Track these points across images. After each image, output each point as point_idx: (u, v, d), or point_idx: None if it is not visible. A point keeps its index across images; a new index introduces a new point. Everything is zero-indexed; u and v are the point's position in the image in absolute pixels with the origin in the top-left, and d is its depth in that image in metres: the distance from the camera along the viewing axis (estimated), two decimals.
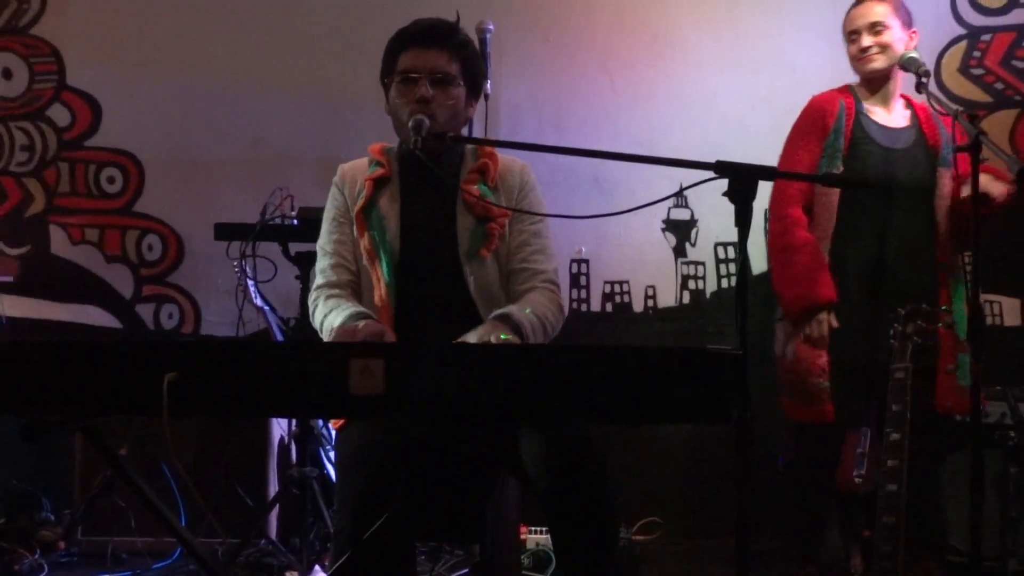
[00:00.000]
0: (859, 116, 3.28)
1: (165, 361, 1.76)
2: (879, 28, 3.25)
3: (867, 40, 3.25)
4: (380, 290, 2.51)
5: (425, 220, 2.55)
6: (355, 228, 2.56)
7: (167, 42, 4.44)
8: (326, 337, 2.48)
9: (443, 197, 2.57)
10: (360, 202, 2.56)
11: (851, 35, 3.30)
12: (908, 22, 3.31)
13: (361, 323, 2.38)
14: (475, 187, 2.55)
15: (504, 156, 2.65)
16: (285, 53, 4.43)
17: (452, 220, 2.54)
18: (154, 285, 4.46)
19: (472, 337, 2.29)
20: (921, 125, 3.31)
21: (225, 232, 3.66)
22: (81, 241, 4.46)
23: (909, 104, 3.36)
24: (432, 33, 2.55)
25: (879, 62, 3.26)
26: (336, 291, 2.55)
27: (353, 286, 2.57)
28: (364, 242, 2.54)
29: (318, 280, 2.59)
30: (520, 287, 2.54)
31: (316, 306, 2.55)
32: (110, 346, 1.82)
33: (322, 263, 2.60)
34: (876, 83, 3.31)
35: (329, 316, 2.48)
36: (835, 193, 3.22)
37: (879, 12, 3.27)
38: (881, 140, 3.26)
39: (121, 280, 4.46)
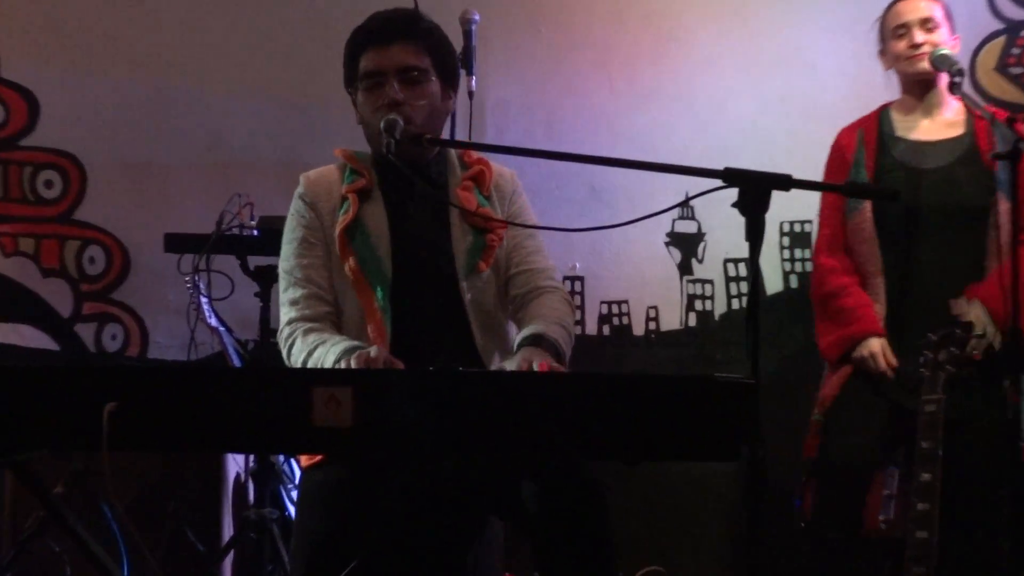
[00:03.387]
0: (883, 142, 3.28)
1: (105, 389, 1.74)
2: (931, 25, 3.25)
3: (920, 36, 3.23)
4: (374, 318, 2.45)
5: (417, 235, 2.54)
6: (336, 249, 2.51)
7: (114, 33, 4.42)
8: None
9: (433, 208, 2.56)
10: (345, 219, 2.50)
11: (898, 30, 3.27)
12: (954, 28, 3.32)
13: (372, 349, 2.27)
14: (471, 196, 2.56)
15: (494, 163, 2.67)
16: (245, 48, 4.41)
17: (447, 233, 2.54)
18: (96, 302, 4.42)
19: (511, 366, 2.28)
20: (978, 139, 3.25)
21: (176, 243, 3.65)
22: (14, 252, 4.42)
23: (965, 111, 3.30)
24: (391, 27, 2.52)
25: (928, 62, 3.20)
26: (315, 325, 2.48)
27: (331, 319, 2.51)
28: (350, 264, 2.49)
29: (290, 313, 2.51)
30: (521, 290, 2.57)
31: (293, 343, 2.47)
32: (43, 372, 1.80)
33: (293, 293, 2.52)
34: (921, 88, 3.28)
35: (316, 353, 2.39)
36: (869, 226, 3.24)
37: (931, 8, 3.27)
38: (909, 161, 3.25)
39: (59, 296, 4.42)
